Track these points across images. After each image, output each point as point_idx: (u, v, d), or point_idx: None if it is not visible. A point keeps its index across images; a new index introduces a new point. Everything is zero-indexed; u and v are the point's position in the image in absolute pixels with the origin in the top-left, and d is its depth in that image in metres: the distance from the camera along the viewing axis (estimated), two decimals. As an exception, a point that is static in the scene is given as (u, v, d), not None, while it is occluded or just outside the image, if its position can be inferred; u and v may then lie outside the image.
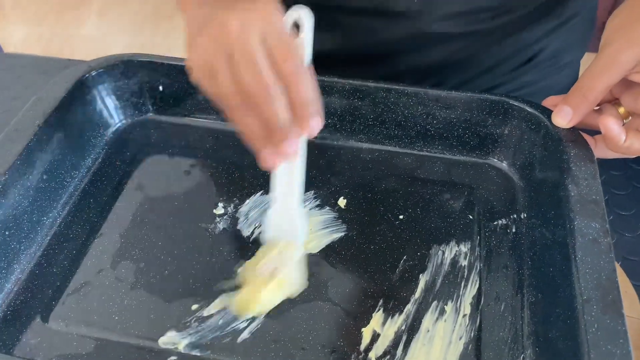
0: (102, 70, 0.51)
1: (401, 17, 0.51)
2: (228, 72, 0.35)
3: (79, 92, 0.50)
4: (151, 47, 2.06)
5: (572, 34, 0.56)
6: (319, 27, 0.56)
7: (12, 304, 0.42)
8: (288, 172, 0.42)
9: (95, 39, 2.09)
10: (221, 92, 0.36)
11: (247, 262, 0.44)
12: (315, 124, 0.35)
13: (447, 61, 0.55)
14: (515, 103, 0.48)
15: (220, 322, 0.41)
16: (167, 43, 2.08)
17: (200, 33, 0.37)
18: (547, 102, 0.48)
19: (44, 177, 0.47)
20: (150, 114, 0.55)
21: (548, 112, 0.46)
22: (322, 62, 0.56)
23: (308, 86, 0.35)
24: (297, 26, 0.39)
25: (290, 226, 0.43)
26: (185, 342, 0.39)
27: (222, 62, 0.35)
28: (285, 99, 0.35)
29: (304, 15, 0.39)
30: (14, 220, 0.43)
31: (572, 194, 0.41)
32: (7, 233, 0.43)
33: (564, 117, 0.44)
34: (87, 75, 0.50)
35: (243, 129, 0.37)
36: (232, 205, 0.49)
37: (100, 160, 0.52)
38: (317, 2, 0.54)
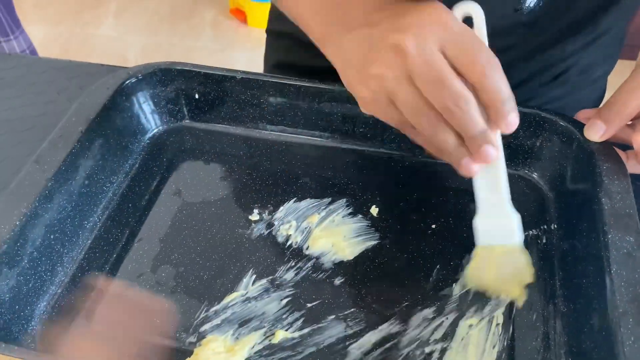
0: (140, 77, 0.53)
1: None
2: (413, 95, 0.34)
3: (119, 99, 0.51)
4: (168, 47, 2.08)
5: (603, 50, 0.57)
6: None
7: (56, 305, 0.43)
8: (490, 173, 0.40)
9: (113, 39, 2.11)
10: (409, 115, 0.35)
11: (470, 266, 0.44)
12: (513, 120, 0.35)
13: None
14: (548, 116, 0.49)
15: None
16: (183, 43, 2.10)
17: (370, 62, 0.35)
18: (580, 116, 0.48)
19: (86, 182, 0.48)
20: (186, 120, 0.57)
21: (580, 126, 0.47)
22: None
23: (501, 82, 0.34)
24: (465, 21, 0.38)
25: (504, 228, 0.42)
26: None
27: (405, 86, 0.34)
28: (477, 104, 0.34)
29: (475, 9, 0.37)
30: (58, 224, 0.45)
31: (606, 207, 0.42)
32: (52, 237, 0.44)
33: (596, 131, 0.45)
34: (126, 82, 0.52)
35: (438, 145, 0.36)
36: (266, 212, 0.50)
37: (137, 165, 0.53)
38: None
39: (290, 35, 0.63)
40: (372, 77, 0.36)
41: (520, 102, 0.57)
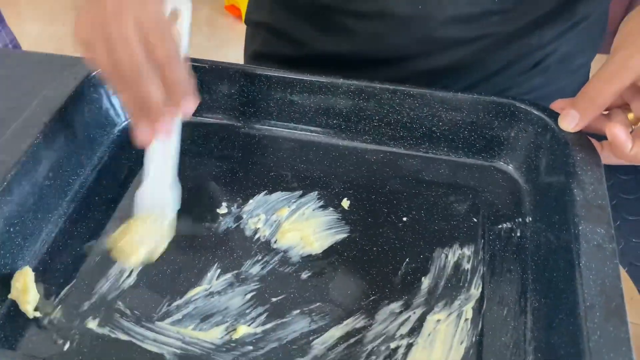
0: (109, 68, 0.52)
1: (406, 22, 0.50)
2: (105, 50, 0.37)
3: (86, 90, 0.50)
4: (163, 45, 2.07)
5: (583, 38, 0.55)
6: (326, 30, 0.56)
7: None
8: (163, 149, 0.44)
9: (108, 37, 2.10)
10: (101, 68, 0.38)
11: (115, 234, 0.44)
12: (188, 104, 0.39)
13: (454, 65, 0.55)
14: (522, 106, 0.48)
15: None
16: (178, 41, 2.09)
17: (82, 9, 0.39)
18: (555, 106, 0.47)
19: (50, 174, 0.47)
20: (157, 112, 0.55)
21: (555, 115, 0.46)
22: (328, 64, 0.56)
23: (180, 69, 0.38)
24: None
25: (162, 200, 0.45)
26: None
27: (100, 40, 0.37)
28: (157, 80, 0.37)
29: (183, 4, 0.41)
30: (19, 216, 0.44)
31: (578, 199, 0.40)
32: (11, 230, 0.43)
33: (570, 121, 0.44)
34: (93, 73, 0.51)
35: (122, 103, 0.40)
36: (235, 205, 0.49)
37: (106, 158, 0.52)
38: (323, 5, 0.54)
39: (266, 25, 0.62)
40: (79, 22, 0.39)
41: (500, 91, 0.57)
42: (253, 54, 0.66)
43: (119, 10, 0.37)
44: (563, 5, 0.50)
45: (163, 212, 0.45)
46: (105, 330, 0.40)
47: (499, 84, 0.57)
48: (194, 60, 0.53)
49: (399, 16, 0.50)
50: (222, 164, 0.52)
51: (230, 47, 2.05)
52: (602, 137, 0.45)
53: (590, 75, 0.62)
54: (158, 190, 0.45)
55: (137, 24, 0.37)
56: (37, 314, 0.41)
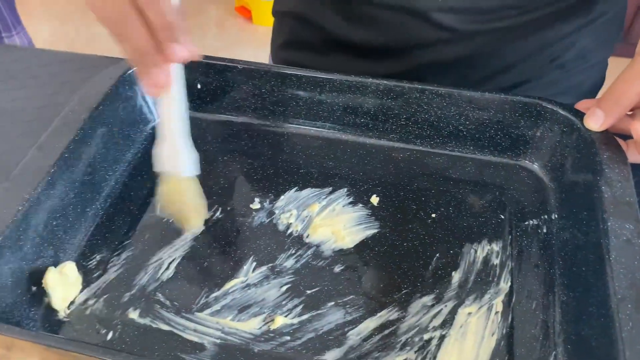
0: (143, 67, 0.53)
1: (428, 14, 0.52)
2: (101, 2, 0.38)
3: (122, 89, 0.52)
4: (173, 46, 2.09)
5: (600, 34, 0.57)
6: (351, 19, 0.58)
7: (58, 291, 0.44)
8: (168, 105, 0.44)
9: (119, 37, 2.11)
10: (98, 19, 0.39)
11: (162, 202, 0.46)
12: (175, 51, 0.38)
13: (470, 57, 0.56)
14: (549, 106, 0.49)
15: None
16: (188, 42, 2.11)
17: None
18: (580, 105, 0.48)
19: (88, 169, 0.48)
20: (189, 111, 0.57)
21: (581, 115, 0.47)
22: (352, 51, 0.58)
23: (161, 14, 0.37)
24: None
25: (176, 160, 0.45)
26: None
27: None
28: (139, 25, 0.37)
29: None
30: (61, 210, 0.45)
31: (606, 196, 0.42)
32: (54, 223, 0.45)
33: (596, 120, 0.45)
34: (129, 72, 0.52)
35: (122, 53, 0.40)
36: (267, 201, 0.50)
37: (139, 155, 0.54)
38: None
39: (294, 14, 0.64)
40: None
41: (517, 84, 0.58)
42: (283, 44, 0.67)
43: None
44: (580, 1, 0.51)
45: (183, 171, 0.45)
46: (146, 321, 0.42)
47: (517, 76, 0.58)
48: (225, 60, 0.54)
49: (422, 10, 0.52)
50: (252, 161, 0.53)
51: (240, 48, 2.06)
52: (627, 137, 0.46)
53: (606, 72, 0.64)
54: (172, 149, 0.45)
55: None
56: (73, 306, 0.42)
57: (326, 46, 0.62)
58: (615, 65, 0.63)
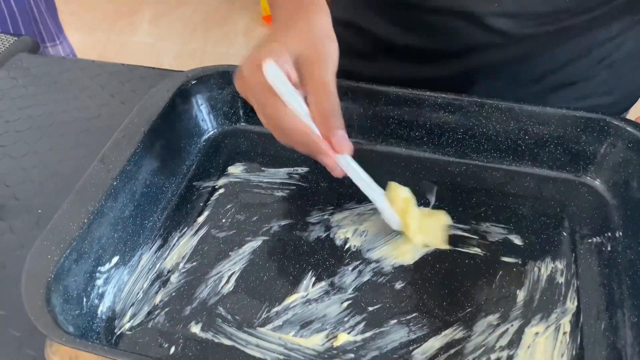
0: (199, 80, 0.53)
1: (481, 19, 0.51)
2: (254, 102, 0.42)
3: (179, 101, 0.52)
4: (202, 54, 2.11)
5: None
6: (401, 24, 0.57)
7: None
8: (352, 175, 0.45)
9: (148, 46, 2.15)
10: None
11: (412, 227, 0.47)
12: (339, 140, 0.41)
13: (520, 59, 0.55)
14: (614, 121, 0.48)
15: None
16: (217, 50, 2.13)
17: (249, 59, 0.42)
18: (647, 121, 0.47)
19: (147, 182, 0.48)
20: (241, 123, 0.57)
21: (647, 131, 0.46)
22: (400, 56, 0.57)
23: (328, 104, 0.40)
24: None
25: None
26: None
27: (250, 96, 0.43)
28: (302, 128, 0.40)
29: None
30: (122, 222, 0.45)
31: (678, 215, 0.41)
32: (115, 235, 0.45)
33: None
34: (186, 84, 0.52)
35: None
36: (324, 215, 0.50)
37: (194, 167, 0.54)
38: (400, 2, 0.55)
39: (341, 21, 0.63)
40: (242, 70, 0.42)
41: (566, 84, 0.57)
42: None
43: (250, 75, 0.41)
44: (632, 1, 0.51)
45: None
46: (208, 335, 0.42)
47: (565, 76, 0.57)
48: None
49: (474, 15, 0.51)
50: (307, 174, 0.53)
51: (267, 57, 2.07)
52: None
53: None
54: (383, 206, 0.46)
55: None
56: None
57: (375, 51, 0.61)
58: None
